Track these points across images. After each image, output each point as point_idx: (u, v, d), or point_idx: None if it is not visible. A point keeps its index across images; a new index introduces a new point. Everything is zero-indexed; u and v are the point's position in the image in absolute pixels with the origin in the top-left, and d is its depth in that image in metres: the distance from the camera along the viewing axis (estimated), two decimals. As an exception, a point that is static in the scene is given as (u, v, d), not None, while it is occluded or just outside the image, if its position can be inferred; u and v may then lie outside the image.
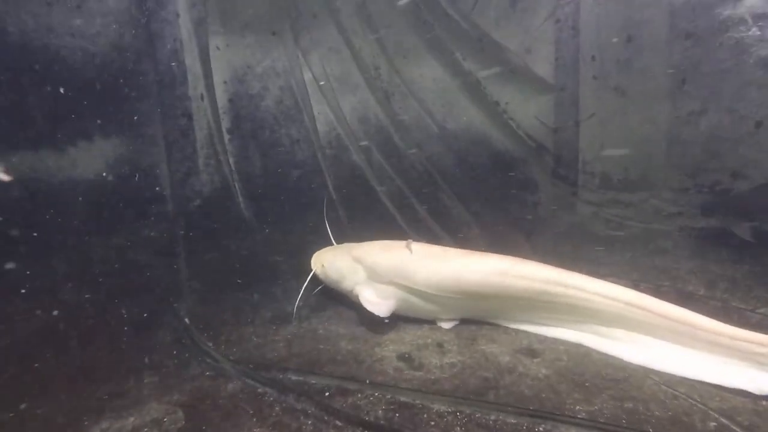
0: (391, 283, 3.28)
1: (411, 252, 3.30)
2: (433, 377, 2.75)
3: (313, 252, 3.74)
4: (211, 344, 2.96)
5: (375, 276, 3.34)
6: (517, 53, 4.29)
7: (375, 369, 2.86)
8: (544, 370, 2.73)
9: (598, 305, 2.77)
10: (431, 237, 4.38)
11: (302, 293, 3.43)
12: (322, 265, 3.52)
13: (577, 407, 2.39)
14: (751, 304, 2.75)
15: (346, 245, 3.68)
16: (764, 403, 2.31)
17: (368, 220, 4.35)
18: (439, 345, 3.11)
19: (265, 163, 4.30)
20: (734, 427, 2.17)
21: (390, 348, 3.11)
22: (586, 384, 2.57)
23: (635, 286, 3.15)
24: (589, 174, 3.99)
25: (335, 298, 3.69)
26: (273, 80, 4.21)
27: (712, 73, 3.27)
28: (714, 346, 2.45)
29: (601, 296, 2.75)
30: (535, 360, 2.85)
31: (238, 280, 3.62)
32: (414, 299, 3.26)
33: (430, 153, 4.67)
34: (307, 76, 4.39)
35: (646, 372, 2.62)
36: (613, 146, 3.82)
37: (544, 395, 2.51)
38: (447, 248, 3.37)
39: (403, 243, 3.41)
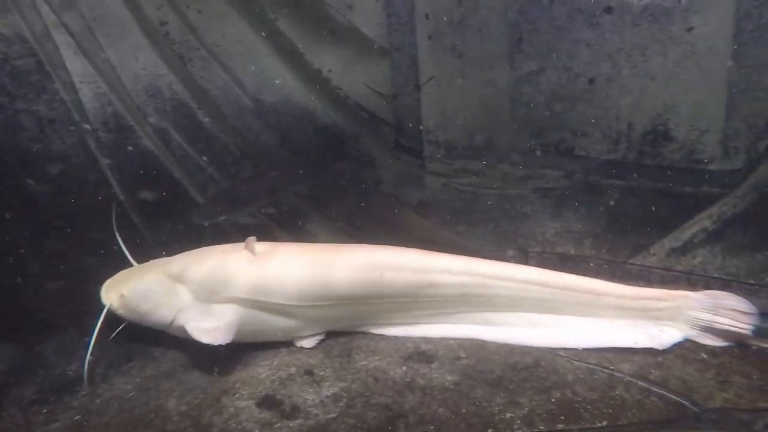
0: (230, 300, 2.42)
1: (254, 254, 2.47)
2: (316, 423, 2.03)
3: (103, 280, 2.58)
4: None
5: (206, 294, 2.43)
6: (339, 10, 3.69)
7: (232, 432, 1.99)
8: (449, 377, 2.24)
9: (493, 289, 2.39)
10: (261, 233, 3.54)
11: (93, 342, 2.29)
12: (121, 295, 2.42)
13: (508, 414, 1.96)
14: (620, 256, 2.73)
15: (153, 263, 2.63)
16: (668, 356, 2.23)
17: (176, 225, 3.28)
18: (309, 372, 2.39)
19: (-4, 155, 2.86)
20: (652, 388, 2.05)
21: (243, 393, 2.27)
22: (503, 382, 2.16)
23: (516, 256, 2.91)
24: (433, 143, 3.65)
25: (146, 338, 2.61)
26: (-4, 28, 2.79)
27: (547, 31, 3.18)
28: (616, 309, 2.29)
29: (495, 278, 2.38)
30: (432, 365, 2.35)
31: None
32: (265, 316, 2.46)
33: (246, 132, 3.78)
34: (57, 27, 3.06)
35: (552, 351, 2.34)
36: (454, 110, 3.54)
37: (464, 410, 2.02)
38: (301, 244, 2.64)
39: (239, 245, 2.55)
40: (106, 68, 3.29)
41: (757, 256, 2.46)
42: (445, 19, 3.47)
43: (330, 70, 3.89)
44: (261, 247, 2.54)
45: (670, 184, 2.87)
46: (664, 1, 2.87)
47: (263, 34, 3.76)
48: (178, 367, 2.48)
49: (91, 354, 2.31)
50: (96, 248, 2.91)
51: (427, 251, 2.52)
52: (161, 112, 3.44)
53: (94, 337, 2.28)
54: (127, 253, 2.75)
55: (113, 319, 2.50)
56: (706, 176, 2.79)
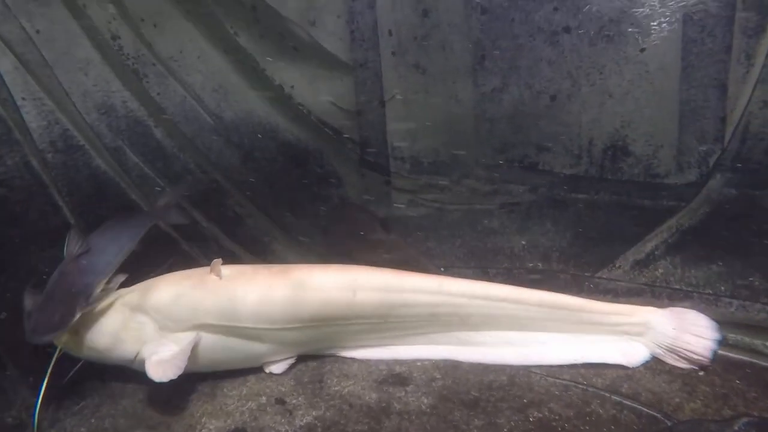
0: (197, 327, 2.31)
1: (220, 277, 2.38)
2: (292, 456, 1.94)
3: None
4: None
5: (171, 323, 2.31)
6: (301, 26, 3.66)
7: (201, 472, 1.89)
8: (425, 399, 2.21)
9: (466, 308, 2.38)
10: (227, 256, 3.42)
11: (44, 386, 2.11)
12: (76, 332, 2.26)
13: (487, 438, 1.94)
14: (587, 270, 2.79)
15: (111, 294, 2.47)
16: (637, 368, 2.28)
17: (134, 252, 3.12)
18: (280, 401, 2.30)
19: (-69, 180, 2.64)
20: (625, 401, 2.08)
21: (211, 427, 2.16)
22: (480, 403, 2.15)
23: (484, 273, 2.92)
24: (399, 159, 3.65)
25: (101, 372, 2.45)
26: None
27: (509, 48, 3.25)
28: (588, 325, 2.32)
29: (468, 297, 2.37)
30: (407, 388, 2.31)
31: None
32: (234, 342, 2.37)
33: (207, 150, 3.67)
34: (-5, 42, 2.88)
35: (526, 368, 2.35)
36: (419, 126, 3.56)
37: (443, 435, 1.98)
38: (270, 266, 2.57)
39: (204, 269, 2.45)
40: (52, 84, 3.10)
41: (712, 266, 2.57)
42: (408, 35, 3.49)
43: (292, 87, 3.83)
44: (227, 270, 2.44)
45: (631, 198, 2.98)
46: (618, 24, 2.99)
47: (223, 49, 3.67)
48: (138, 403, 2.33)
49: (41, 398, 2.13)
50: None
51: (398, 270, 2.49)
52: (115, 131, 3.27)
53: (45, 382, 2.08)
54: None
55: (66, 356, 2.32)
56: (664, 190, 2.90)
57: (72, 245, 2.44)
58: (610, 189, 3.10)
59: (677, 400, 2.06)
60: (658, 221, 2.82)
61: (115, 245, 2.56)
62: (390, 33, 3.50)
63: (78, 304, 2.21)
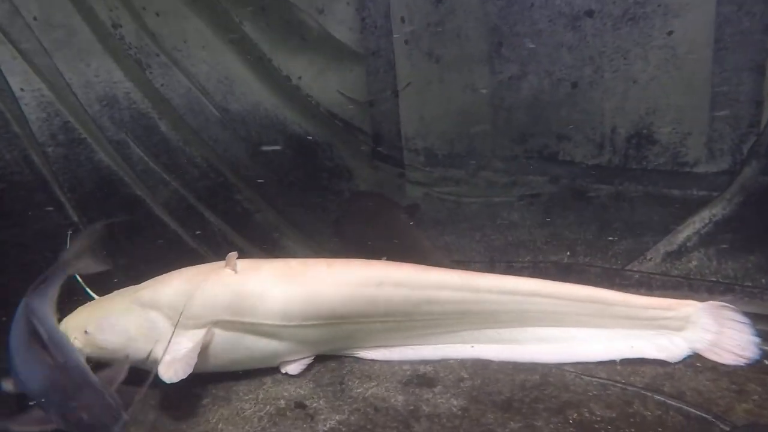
0: (212, 323, 2.19)
1: (236, 272, 2.26)
2: (318, 465, 1.81)
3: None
4: None
5: (184, 319, 2.18)
6: (309, 14, 3.53)
7: (222, 484, 1.76)
8: (455, 401, 2.08)
9: (495, 304, 2.26)
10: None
11: None
12: (85, 332, 2.13)
13: (526, 442, 1.82)
14: (615, 263, 2.67)
15: (120, 292, 2.35)
16: (677, 366, 2.16)
17: (141, 247, 2.99)
18: (300, 405, 2.17)
19: (-74, 175, 2.51)
20: (669, 401, 1.96)
21: (229, 434, 2.02)
22: (513, 404, 2.02)
23: (507, 267, 2.80)
24: (413, 151, 3.52)
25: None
26: None
27: (527, 35, 3.13)
28: (625, 320, 2.20)
29: (498, 292, 2.25)
30: (435, 389, 2.18)
31: None
32: (250, 340, 2.25)
33: (213, 143, 3.54)
34: (-8, 30, 2.74)
35: (558, 366, 2.23)
36: (433, 117, 3.44)
37: (479, 439, 1.86)
38: (287, 260, 2.44)
39: (218, 264, 2.33)
40: (51, 74, 2.96)
41: (750, 257, 2.46)
42: (421, 22, 3.37)
43: (300, 77, 3.71)
44: (243, 264, 2.32)
45: (658, 188, 2.86)
46: (643, 5, 2.86)
47: (228, 38, 3.55)
48: (150, 409, 2.20)
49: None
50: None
51: (423, 266, 2.36)
52: (118, 123, 3.14)
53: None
54: (83, 284, 2.45)
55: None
56: (693, 179, 2.79)
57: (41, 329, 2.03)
58: (636, 179, 2.99)
59: (726, 400, 1.94)
60: (688, 211, 2.71)
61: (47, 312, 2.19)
62: (403, 20, 3.38)
63: (94, 374, 1.95)
